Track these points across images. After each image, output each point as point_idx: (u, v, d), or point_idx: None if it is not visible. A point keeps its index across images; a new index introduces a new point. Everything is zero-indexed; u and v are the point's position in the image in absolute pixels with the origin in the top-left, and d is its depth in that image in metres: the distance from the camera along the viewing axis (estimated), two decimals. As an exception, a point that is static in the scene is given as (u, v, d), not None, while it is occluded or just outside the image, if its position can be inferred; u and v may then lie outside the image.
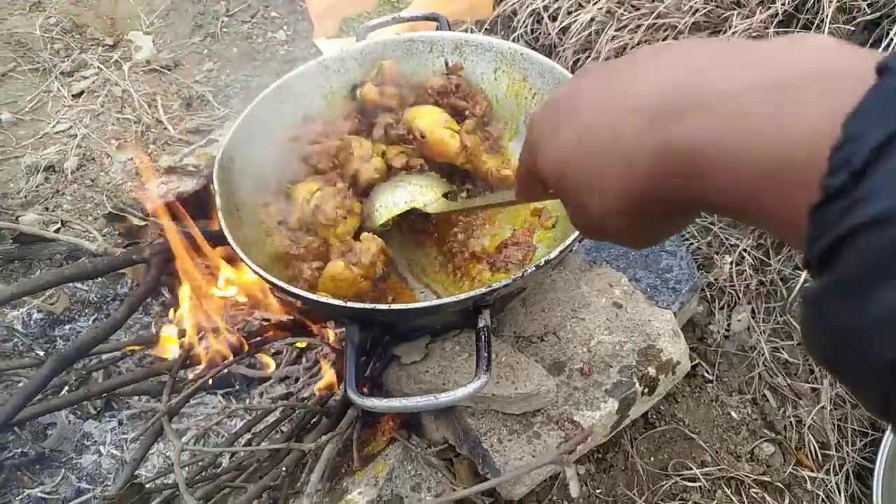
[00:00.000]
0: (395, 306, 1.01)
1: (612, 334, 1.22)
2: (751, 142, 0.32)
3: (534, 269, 1.01)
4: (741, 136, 0.33)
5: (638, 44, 1.78)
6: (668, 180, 0.38)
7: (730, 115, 0.33)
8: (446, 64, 1.49)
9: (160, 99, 1.98)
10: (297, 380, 1.62)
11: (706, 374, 1.52)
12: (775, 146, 0.31)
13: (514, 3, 2.05)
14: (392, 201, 1.23)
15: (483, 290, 0.99)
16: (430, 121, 1.28)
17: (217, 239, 1.22)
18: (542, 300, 1.27)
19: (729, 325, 1.54)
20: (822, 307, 0.29)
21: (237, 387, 1.65)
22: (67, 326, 1.69)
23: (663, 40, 1.75)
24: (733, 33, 1.57)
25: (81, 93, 2.05)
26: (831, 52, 0.33)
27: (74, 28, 2.24)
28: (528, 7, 2.01)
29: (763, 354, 1.48)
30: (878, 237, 0.26)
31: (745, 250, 1.60)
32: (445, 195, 1.22)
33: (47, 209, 1.69)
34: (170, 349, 1.27)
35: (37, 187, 1.75)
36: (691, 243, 1.65)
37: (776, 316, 1.56)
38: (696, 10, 1.68)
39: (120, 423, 1.65)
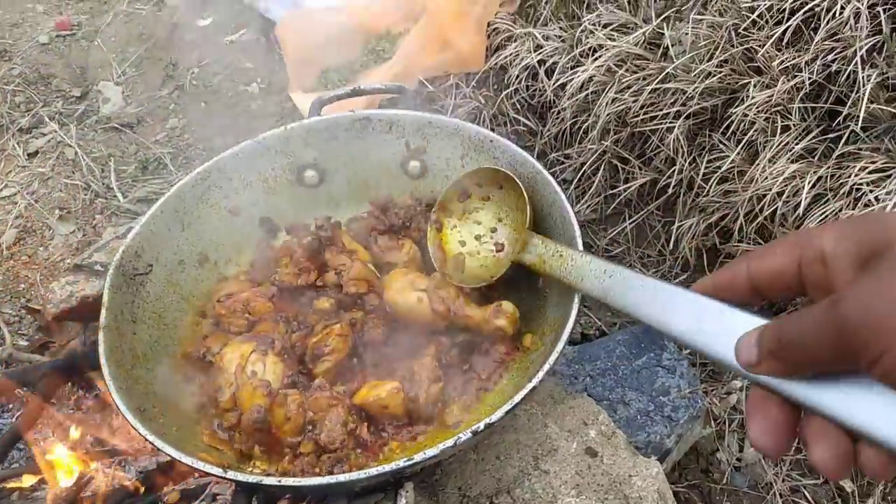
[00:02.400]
0: (286, 482, 0.80)
1: (580, 495, 0.98)
2: None
3: (469, 435, 0.80)
4: None
5: (641, 108, 1.55)
6: None
7: None
8: (407, 147, 1.29)
9: (114, 162, 1.82)
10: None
11: (711, 516, 1.27)
12: None
13: (506, 56, 1.84)
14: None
15: (401, 462, 0.79)
16: (396, 287, 1.10)
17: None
18: (498, 442, 1.05)
19: (741, 453, 1.29)
20: None
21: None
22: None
23: (671, 105, 1.51)
24: (751, 105, 1.33)
25: (37, 152, 1.89)
26: None
27: (39, 79, 2.10)
28: (522, 61, 1.80)
29: (779, 497, 1.22)
30: None
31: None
32: None
33: (-26, 291, 1.53)
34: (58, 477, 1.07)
35: (-32, 265, 1.59)
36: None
37: (800, 445, 1.30)
38: (709, 74, 1.44)
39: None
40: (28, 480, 1.02)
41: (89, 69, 2.17)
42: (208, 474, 0.78)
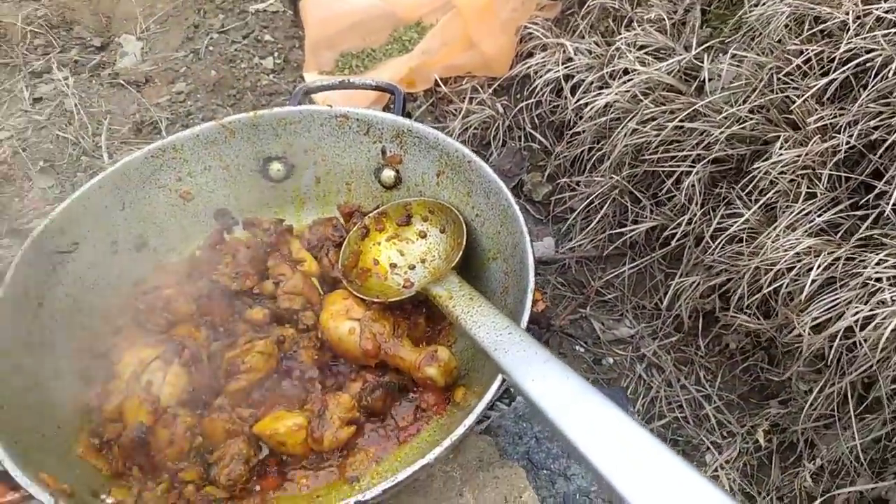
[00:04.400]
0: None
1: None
2: None
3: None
4: None
5: (661, 144, 1.39)
6: None
7: None
8: (383, 153, 1.17)
9: (110, 120, 1.76)
10: None
11: None
12: None
13: (533, 66, 1.70)
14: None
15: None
16: (331, 311, 1.01)
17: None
18: (406, 505, 0.93)
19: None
20: None
21: None
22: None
23: (694, 147, 1.35)
24: (777, 162, 1.16)
25: (41, 98, 1.85)
26: None
27: (62, 24, 2.06)
28: (547, 73, 1.65)
29: None
30: None
31: (749, 448, 1.18)
32: None
33: (-60, 235, 1.49)
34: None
35: (-59, 206, 1.55)
36: (675, 422, 1.24)
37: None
38: (740, 119, 1.28)
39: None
40: None
41: (115, 20, 2.12)
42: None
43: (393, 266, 1.12)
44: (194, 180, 1.17)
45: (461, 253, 1.04)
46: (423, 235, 1.14)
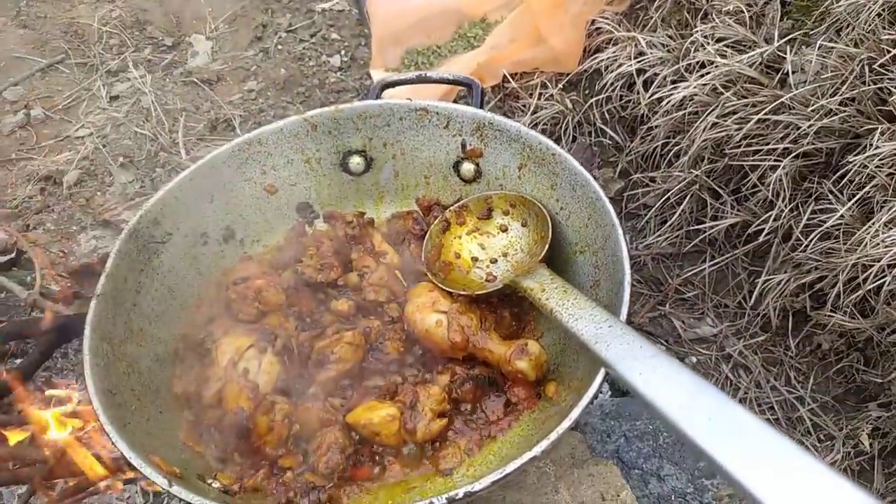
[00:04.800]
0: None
1: (583, 584, 0.85)
2: None
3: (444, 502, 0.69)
4: None
5: (744, 138, 1.36)
6: None
7: None
8: (463, 147, 1.17)
9: (185, 117, 1.79)
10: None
11: None
12: None
13: (603, 60, 1.67)
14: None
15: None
16: (417, 303, 1.00)
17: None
18: (498, 500, 0.92)
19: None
20: None
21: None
22: None
23: (780, 141, 1.31)
24: (873, 155, 1.12)
25: (118, 96, 1.90)
26: None
27: (136, 24, 2.12)
28: (619, 68, 1.63)
29: None
30: None
31: (850, 452, 1.14)
32: None
33: (27, 227, 1.54)
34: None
35: (29, 198, 1.60)
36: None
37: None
38: (830, 112, 1.24)
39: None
40: (14, 437, 0.99)
41: (184, 20, 2.17)
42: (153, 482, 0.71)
43: (475, 260, 1.11)
44: (277, 174, 1.18)
45: (547, 246, 1.03)
46: (504, 229, 1.13)
